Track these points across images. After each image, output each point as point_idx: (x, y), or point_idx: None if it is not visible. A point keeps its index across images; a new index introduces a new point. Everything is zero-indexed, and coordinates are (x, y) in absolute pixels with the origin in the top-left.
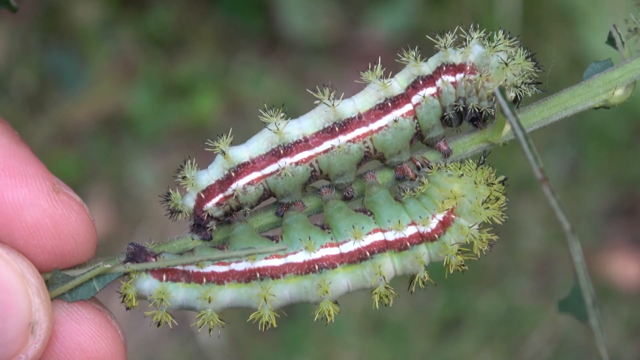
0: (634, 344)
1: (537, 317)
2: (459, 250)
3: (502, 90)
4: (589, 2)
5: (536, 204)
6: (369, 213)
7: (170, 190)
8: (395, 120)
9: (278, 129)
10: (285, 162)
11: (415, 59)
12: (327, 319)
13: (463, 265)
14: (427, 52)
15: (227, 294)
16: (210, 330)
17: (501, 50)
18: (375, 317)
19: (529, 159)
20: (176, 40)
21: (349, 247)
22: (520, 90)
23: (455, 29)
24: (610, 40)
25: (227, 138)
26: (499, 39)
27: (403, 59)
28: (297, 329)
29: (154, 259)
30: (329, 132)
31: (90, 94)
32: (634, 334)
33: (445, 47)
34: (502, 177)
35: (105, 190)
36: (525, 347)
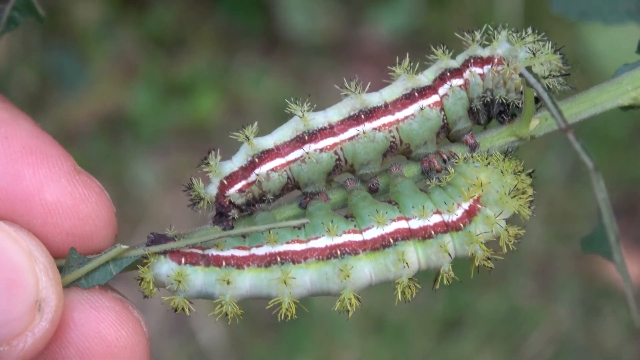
0: (635, 344)
1: (537, 317)
2: (484, 242)
3: (528, 67)
4: None
5: (536, 204)
6: (393, 203)
7: (193, 179)
8: (422, 109)
9: (304, 115)
10: (309, 147)
11: (444, 52)
12: (347, 312)
13: (489, 259)
14: (429, 52)
15: (247, 279)
16: (229, 319)
17: (529, 44)
18: (376, 317)
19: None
20: (177, 40)
21: (372, 233)
22: (548, 82)
23: (484, 28)
24: None
25: (252, 127)
26: (527, 34)
27: (431, 56)
28: (297, 329)
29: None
30: (354, 119)
31: (90, 94)
32: (635, 334)
33: (473, 40)
34: (529, 170)
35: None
36: (525, 347)
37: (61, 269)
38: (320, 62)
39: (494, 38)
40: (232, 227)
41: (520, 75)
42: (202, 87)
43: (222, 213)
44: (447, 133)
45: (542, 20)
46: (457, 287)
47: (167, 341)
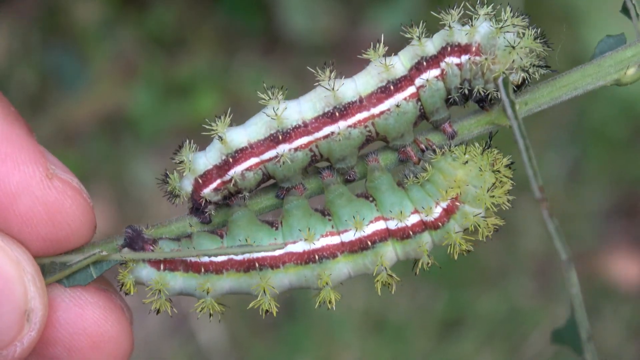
0: (635, 345)
1: (537, 316)
2: (463, 236)
3: (505, 84)
4: (589, 2)
5: (536, 204)
6: (371, 199)
7: (168, 173)
8: (398, 105)
9: (277, 115)
10: (284, 148)
11: (419, 37)
12: (327, 306)
13: (467, 250)
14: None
15: (226, 283)
16: (210, 315)
17: (508, 30)
18: (376, 316)
19: (530, 175)
20: (177, 40)
21: (350, 236)
22: (528, 73)
23: (462, 4)
24: (625, 10)
25: (225, 119)
26: (506, 18)
27: (407, 35)
28: (297, 329)
29: (151, 247)
30: (329, 117)
31: (90, 94)
32: (635, 334)
33: (450, 26)
34: (507, 161)
35: (105, 190)
36: (526, 347)
37: (43, 269)
38: (320, 62)
39: (472, 20)
40: (210, 221)
41: (499, 76)
42: (202, 87)
43: (199, 208)
44: (425, 119)
45: (542, 20)
46: (457, 287)
47: (167, 341)
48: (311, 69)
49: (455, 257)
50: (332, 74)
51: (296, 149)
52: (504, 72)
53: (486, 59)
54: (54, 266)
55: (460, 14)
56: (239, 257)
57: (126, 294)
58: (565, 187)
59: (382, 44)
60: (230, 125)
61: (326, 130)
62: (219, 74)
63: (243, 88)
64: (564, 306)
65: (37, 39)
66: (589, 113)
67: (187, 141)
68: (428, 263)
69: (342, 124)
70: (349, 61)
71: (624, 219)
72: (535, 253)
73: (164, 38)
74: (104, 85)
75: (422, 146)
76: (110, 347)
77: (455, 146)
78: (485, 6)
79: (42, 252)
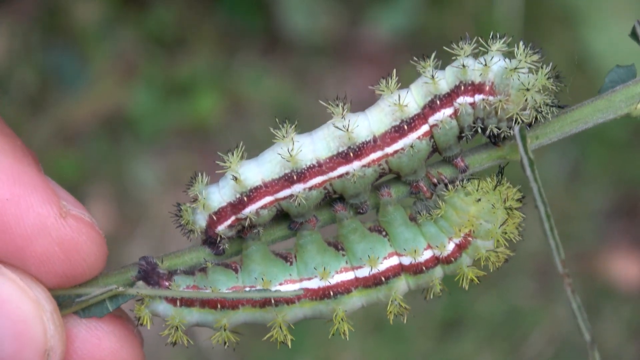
0: (635, 345)
1: (537, 317)
2: (473, 265)
3: (522, 135)
4: (589, 3)
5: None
6: (384, 233)
7: (182, 206)
8: (412, 146)
9: (291, 156)
10: (299, 188)
11: (432, 77)
12: (342, 337)
13: (478, 279)
14: (429, 52)
15: (242, 317)
16: (225, 344)
17: (522, 68)
18: (376, 317)
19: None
20: (177, 40)
21: (364, 272)
22: (542, 114)
23: (474, 39)
24: (634, 35)
25: (237, 154)
26: (520, 55)
27: (418, 67)
28: (297, 329)
29: (166, 282)
30: (343, 157)
31: (90, 94)
32: (635, 334)
33: (463, 65)
34: (519, 195)
35: (105, 190)
36: (526, 347)
37: (59, 301)
38: (320, 62)
39: (486, 55)
40: (224, 252)
41: (512, 116)
42: (202, 86)
43: (213, 242)
44: (438, 152)
45: (541, 20)
46: (457, 287)
47: (167, 341)
48: (323, 102)
49: (466, 288)
50: (345, 109)
51: (310, 188)
52: (517, 113)
53: (500, 100)
54: (70, 297)
55: (473, 49)
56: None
57: (141, 324)
58: (565, 188)
59: (394, 78)
60: (242, 157)
61: (340, 170)
62: (219, 73)
63: (243, 88)
64: (564, 306)
65: (37, 38)
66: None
67: (200, 174)
68: (439, 292)
69: (356, 164)
70: (349, 61)
71: (624, 219)
72: (535, 253)
73: (164, 38)
74: (104, 85)
75: (434, 180)
76: None
77: (466, 180)
78: (498, 41)
79: (58, 287)
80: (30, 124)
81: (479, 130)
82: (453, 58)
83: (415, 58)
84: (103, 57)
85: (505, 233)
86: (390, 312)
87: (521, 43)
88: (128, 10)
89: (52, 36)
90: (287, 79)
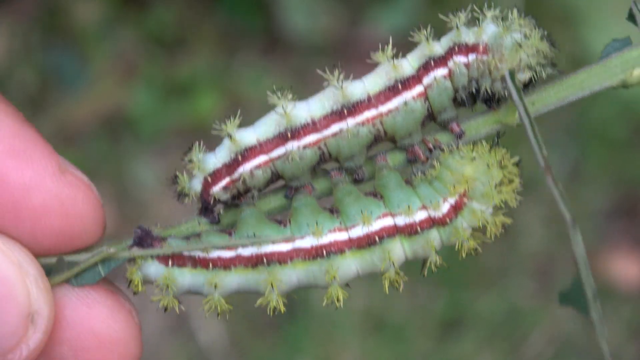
0: (635, 344)
1: (538, 317)
2: (471, 234)
3: (512, 74)
4: (589, 3)
5: (538, 204)
6: (379, 197)
7: (178, 173)
8: (406, 103)
9: (285, 112)
10: (292, 145)
11: (427, 39)
12: (335, 305)
13: (476, 249)
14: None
15: (234, 279)
16: (218, 315)
17: (515, 30)
18: (376, 316)
19: (533, 147)
20: (177, 40)
21: (357, 232)
22: (535, 72)
23: (469, 6)
24: (631, 17)
25: (234, 120)
26: (513, 18)
27: (415, 39)
28: (297, 328)
29: (159, 245)
30: (337, 115)
31: (90, 94)
32: (635, 334)
33: (457, 26)
34: (515, 159)
35: (105, 190)
36: (526, 347)
37: (51, 268)
38: (320, 62)
39: (480, 20)
40: (219, 221)
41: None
42: (202, 86)
43: (207, 208)
44: (433, 120)
45: (542, 19)
46: (457, 287)
47: (167, 341)
48: (320, 71)
49: (464, 256)
50: (341, 75)
51: (305, 147)
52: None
53: (493, 57)
54: (62, 266)
55: (468, 18)
56: (247, 253)
57: (134, 293)
58: (565, 187)
59: (390, 45)
60: (240, 127)
61: (334, 127)
62: (219, 73)
63: (243, 88)
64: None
65: (37, 38)
66: (589, 113)
67: (197, 142)
68: (436, 262)
69: (350, 122)
70: (349, 61)
71: (624, 219)
72: (535, 253)
73: (164, 38)
74: (104, 85)
75: (430, 145)
76: (119, 348)
77: (463, 145)
78: (492, 9)
79: (55, 247)
80: (31, 123)
81: (473, 91)
82: (448, 26)
83: (410, 30)
84: (103, 57)
85: (501, 193)
86: (386, 277)
87: (515, 9)
88: (128, 10)
89: (52, 36)
90: (287, 79)
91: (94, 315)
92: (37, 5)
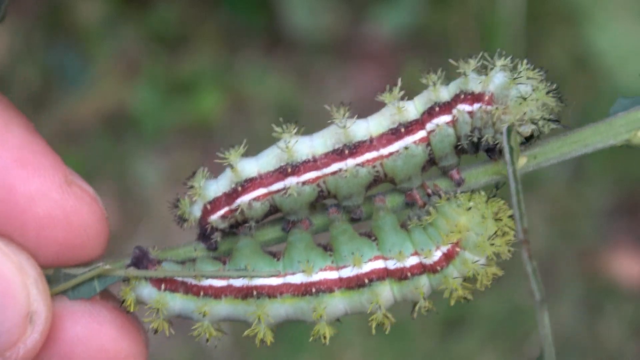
0: (636, 343)
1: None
2: (461, 283)
3: (509, 132)
4: (593, 1)
5: (540, 204)
6: (373, 238)
7: (180, 197)
8: (406, 148)
9: (287, 147)
10: (291, 181)
11: (434, 84)
12: (322, 340)
13: (465, 298)
14: (432, 51)
15: (224, 308)
16: (207, 340)
17: (523, 82)
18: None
19: (515, 214)
20: (179, 38)
21: (347, 272)
22: (538, 126)
23: (480, 55)
24: None
25: (238, 149)
26: (522, 69)
27: (424, 81)
28: (299, 327)
29: (154, 267)
30: (338, 153)
31: (93, 92)
32: (637, 332)
33: (465, 74)
34: (511, 212)
35: (108, 188)
36: (528, 346)
37: (49, 279)
38: (323, 60)
39: (490, 68)
40: (216, 248)
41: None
42: (204, 85)
43: (205, 234)
44: (435, 165)
45: (544, 19)
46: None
47: (167, 340)
48: (327, 107)
49: (452, 303)
50: (346, 113)
51: (304, 183)
52: (513, 123)
53: (497, 108)
54: (59, 277)
55: (478, 64)
56: (238, 284)
57: (127, 311)
58: (567, 186)
59: (398, 87)
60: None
61: (334, 166)
62: (221, 72)
63: (245, 86)
64: (566, 305)
65: (39, 37)
66: (590, 112)
67: (201, 169)
68: (425, 307)
69: (350, 162)
70: (352, 60)
71: (626, 217)
72: (537, 252)
73: (166, 36)
74: (107, 83)
75: (429, 191)
76: None
77: (461, 193)
78: (503, 58)
79: (58, 257)
80: (33, 122)
81: (475, 140)
82: (457, 71)
83: (421, 72)
84: (105, 55)
85: (494, 245)
86: (373, 319)
87: (525, 61)
88: (130, 8)
89: (54, 34)
90: (289, 77)
91: (105, 332)
92: (39, 3)
